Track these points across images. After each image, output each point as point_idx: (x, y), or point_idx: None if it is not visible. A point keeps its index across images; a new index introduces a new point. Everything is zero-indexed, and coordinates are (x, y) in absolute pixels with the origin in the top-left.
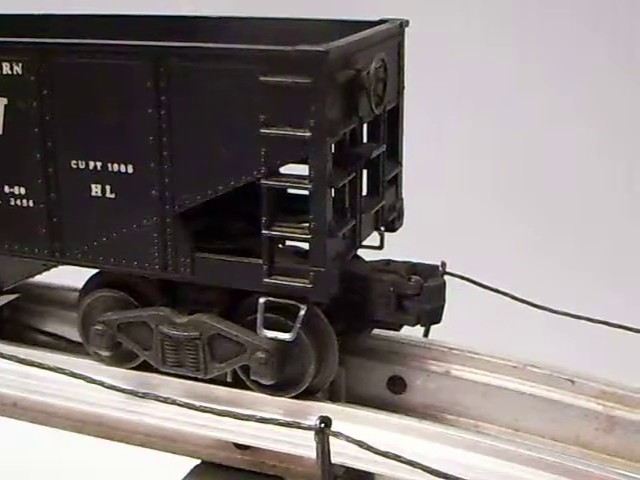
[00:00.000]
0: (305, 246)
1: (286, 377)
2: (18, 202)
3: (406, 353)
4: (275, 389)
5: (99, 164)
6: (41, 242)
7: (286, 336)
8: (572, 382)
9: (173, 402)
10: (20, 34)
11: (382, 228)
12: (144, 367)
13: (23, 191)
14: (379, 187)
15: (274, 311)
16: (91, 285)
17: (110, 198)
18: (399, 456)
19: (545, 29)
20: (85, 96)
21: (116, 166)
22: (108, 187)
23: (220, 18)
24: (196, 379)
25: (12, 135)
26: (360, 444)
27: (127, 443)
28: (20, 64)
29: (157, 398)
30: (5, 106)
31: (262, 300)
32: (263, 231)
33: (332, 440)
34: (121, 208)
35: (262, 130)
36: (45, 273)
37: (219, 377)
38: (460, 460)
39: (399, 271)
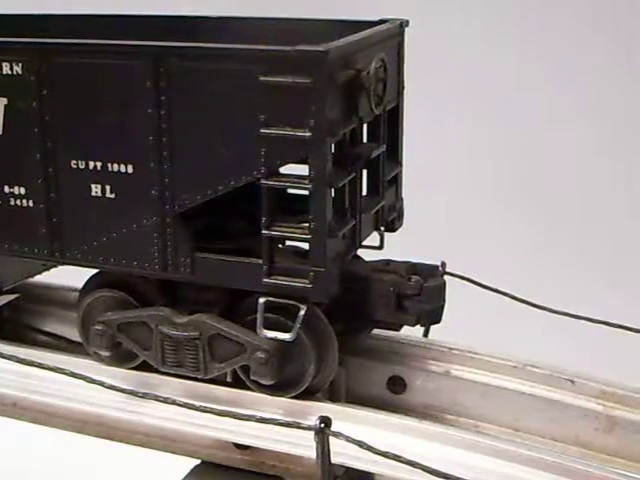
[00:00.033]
0: (305, 246)
1: (286, 377)
2: (18, 202)
3: (406, 353)
4: (275, 389)
5: (99, 164)
6: (41, 242)
7: (286, 336)
8: (572, 382)
9: (173, 402)
10: (20, 34)
11: (382, 228)
12: (144, 367)
13: (23, 191)
14: (379, 187)
15: (274, 311)
16: (91, 285)
17: (110, 198)
18: (399, 456)
19: (545, 29)
20: (85, 96)
21: (116, 166)
22: (108, 187)
23: (220, 18)
24: (196, 379)
25: (12, 135)
26: (360, 444)
27: (127, 443)
28: (20, 64)
29: (157, 398)
30: (5, 106)
31: (262, 300)
32: (263, 231)
33: (332, 440)
34: (121, 208)
35: (262, 130)
36: (45, 273)
37: (219, 377)
38: (460, 460)
39: (399, 271)
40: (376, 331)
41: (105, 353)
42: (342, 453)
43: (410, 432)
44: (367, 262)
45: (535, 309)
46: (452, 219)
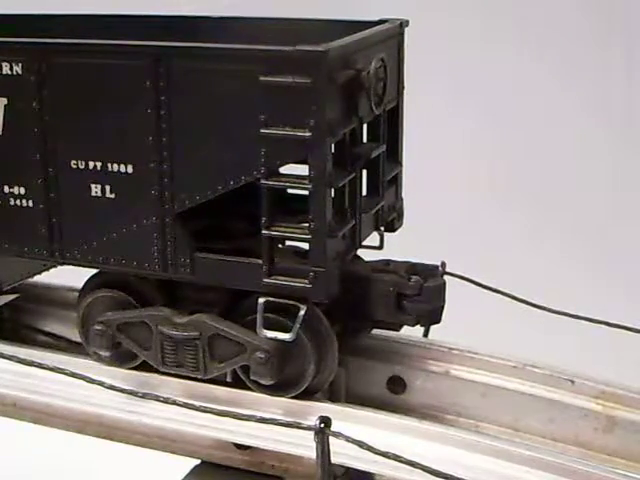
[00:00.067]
0: (305, 246)
1: (286, 377)
2: (18, 202)
3: (406, 353)
4: (275, 389)
5: (99, 164)
6: (41, 242)
7: (286, 336)
8: (572, 382)
9: (173, 402)
10: (20, 34)
11: (382, 228)
12: (144, 367)
13: (23, 191)
14: (379, 187)
15: (274, 311)
16: (91, 285)
17: (110, 198)
18: (399, 456)
19: (545, 29)
20: (85, 96)
21: (116, 166)
22: (108, 187)
23: (220, 18)
24: (196, 379)
25: (12, 135)
26: (360, 444)
27: (127, 443)
28: (20, 64)
29: (157, 398)
30: (5, 106)
31: (262, 300)
32: (263, 231)
33: (332, 440)
34: (121, 208)
35: (262, 130)
36: (45, 273)
37: (219, 377)
38: (460, 460)
39: (399, 271)
40: (376, 331)
41: (105, 353)
42: (342, 453)
43: (410, 432)
44: (367, 262)
45: (535, 309)
46: (452, 219)
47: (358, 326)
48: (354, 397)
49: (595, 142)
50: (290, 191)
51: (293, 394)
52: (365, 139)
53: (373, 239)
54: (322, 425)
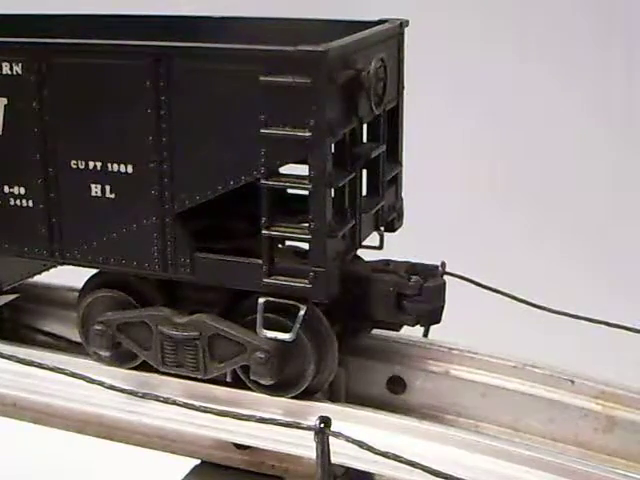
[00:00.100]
0: (305, 246)
1: (286, 377)
2: (18, 202)
3: (406, 353)
4: (275, 389)
5: (99, 164)
6: (41, 242)
7: (286, 336)
8: (572, 382)
9: (173, 402)
10: (20, 34)
11: (382, 228)
12: (144, 367)
13: (23, 191)
14: (379, 187)
15: (274, 311)
16: (91, 285)
17: (110, 198)
18: (399, 456)
19: (545, 29)
20: (85, 96)
21: (116, 166)
22: (108, 187)
23: (220, 18)
24: (196, 379)
25: (12, 135)
26: (360, 444)
27: (127, 443)
28: (20, 64)
29: (157, 398)
30: (5, 106)
31: (262, 300)
32: (263, 231)
33: (332, 440)
34: (121, 208)
35: (262, 130)
36: (45, 273)
37: (219, 377)
38: (460, 460)
39: (399, 271)
40: (376, 331)
41: (105, 353)
42: (342, 453)
43: (410, 432)
44: (367, 262)
45: (535, 309)
46: (452, 219)
47: (358, 326)
48: (354, 397)
49: (595, 142)
50: (290, 191)
51: (293, 394)
52: (365, 139)
53: (373, 239)
54: (322, 425)
